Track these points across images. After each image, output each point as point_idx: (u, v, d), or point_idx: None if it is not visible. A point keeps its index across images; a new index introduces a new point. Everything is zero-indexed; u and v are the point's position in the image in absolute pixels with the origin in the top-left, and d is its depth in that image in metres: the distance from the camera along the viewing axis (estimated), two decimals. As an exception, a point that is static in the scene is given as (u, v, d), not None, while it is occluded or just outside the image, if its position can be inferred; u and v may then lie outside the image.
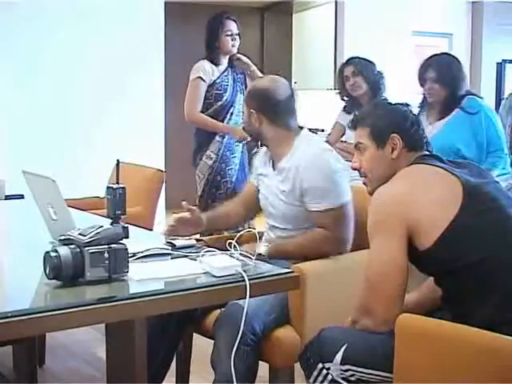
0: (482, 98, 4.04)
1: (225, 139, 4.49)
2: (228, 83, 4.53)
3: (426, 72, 3.86)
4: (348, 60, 4.51)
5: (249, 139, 4.38)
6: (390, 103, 2.56)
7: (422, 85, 3.93)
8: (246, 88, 4.54)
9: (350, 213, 2.75)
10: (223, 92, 4.50)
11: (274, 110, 2.85)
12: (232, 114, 4.54)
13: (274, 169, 2.90)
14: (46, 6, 5.41)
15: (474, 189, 2.15)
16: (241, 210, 3.09)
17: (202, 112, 4.50)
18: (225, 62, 4.58)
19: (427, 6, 7.35)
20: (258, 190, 3.01)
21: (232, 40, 4.50)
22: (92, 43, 5.61)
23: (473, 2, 7.72)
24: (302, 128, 2.91)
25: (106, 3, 5.64)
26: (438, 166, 2.22)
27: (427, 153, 2.36)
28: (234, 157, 4.56)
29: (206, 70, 4.49)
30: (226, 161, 4.51)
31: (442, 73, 3.81)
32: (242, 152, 4.62)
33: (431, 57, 3.94)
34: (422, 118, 3.82)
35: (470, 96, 3.91)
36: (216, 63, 4.53)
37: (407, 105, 2.45)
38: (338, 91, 4.61)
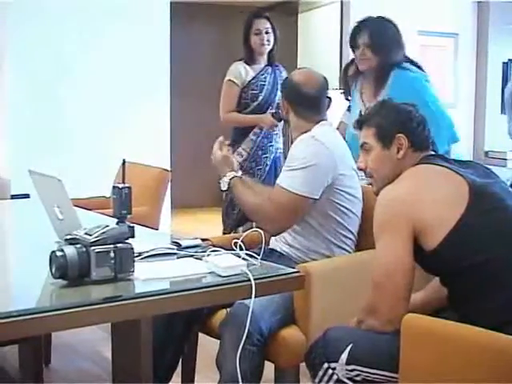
0: (415, 65, 3.67)
1: (259, 138, 4.48)
2: (265, 82, 4.51)
3: (360, 36, 3.59)
4: (353, 60, 4.50)
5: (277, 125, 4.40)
6: (396, 103, 2.56)
7: (353, 50, 3.68)
8: None
9: (295, 207, 2.74)
10: (259, 92, 4.49)
11: (300, 103, 2.93)
12: None
13: None
14: (50, 5, 5.42)
15: (480, 189, 2.14)
16: None
17: (239, 111, 4.51)
18: (262, 60, 4.57)
19: (433, 5, 7.34)
20: None
21: (260, 39, 4.49)
22: (97, 43, 5.62)
23: (478, 2, 7.71)
24: (323, 121, 2.95)
25: (111, 3, 5.65)
26: (443, 166, 2.22)
27: (433, 153, 2.36)
28: (266, 157, 4.52)
29: (237, 72, 4.52)
30: (256, 160, 4.48)
31: (377, 37, 3.55)
32: (276, 155, 4.56)
33: (365, 20, 3.67)
34: (356, 96, 3.71)
35: (399, 68, 3.58)
36: (251, 63, 4.55)
37: (413, 105, 2.45)
38: (342, 91, 4.61)
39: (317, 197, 2.74)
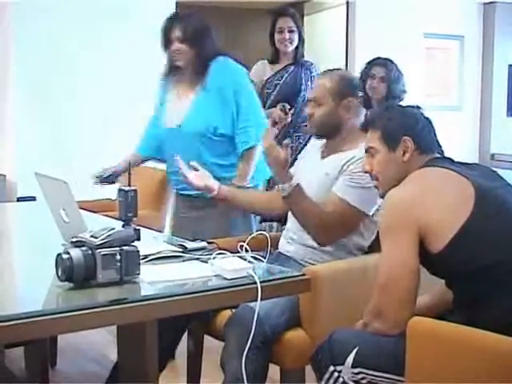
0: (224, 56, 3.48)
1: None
2: (280, 81, 4.50)
3: (172, 31, 3.37)
4: (381, 61, 4.48)
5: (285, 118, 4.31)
6: (402, 106, 2.56)
7: (166, 47, 3.42)
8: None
9: (355, 221, 2.74)
10: (271, 91, 4.49)
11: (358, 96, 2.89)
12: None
13: (322, 158, 2.90)
14: (57, 6, 5.43)
15: (486, 192, 2.14)
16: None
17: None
18: (286, 59, 4.56)
19: (438, 8, 7.34)
20: None
21: (282, 38, 4.48)
22: (103, 44, 5.62)
23: (484, 4, 7.70)
24: None
25: (116, 3, 5.65)
26: (449, 169, 2.22)
27: (438, 155, 2.36)
28: None
29: (254, 71, 4.57)
30: None
31: (188, 31, 3.33)
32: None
33: (175, 15, 3.49)
34: (170, 93, 3.50)
35: (218, 58, 3.43)
36: (275, 62, 4.57)
37: (418, 107, 2.44)
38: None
39: (370, 214, 2.74)
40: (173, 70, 3.48)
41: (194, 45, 3.33)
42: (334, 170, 2.78)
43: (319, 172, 2.84)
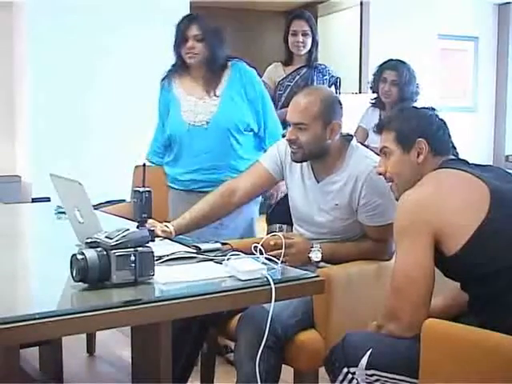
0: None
1: None
2: (291, 83, 4.51)
3: (189, 30, 3.42)
4: (392, 64, 4.47)
5: None
6: (416, 107, 2.55)
7: (182, 45, 3.46)
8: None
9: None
10: (283, 92, 4.51)
11: (341, 117, 2.76)
12: None
13: (317, 181, 2.79)
14: (73, 7, 5.45)
15: (501, 194, 2.13)
16: (231, 198, 2.91)
17: None
18: (299, 61, 4.57)
19: (453, 9, 7.33)
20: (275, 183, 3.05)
21: (295, 41, 4.49)
22: (115, 45, 5.65)
23: (499, 5, 7.68)
24: (351, 137, 2.80)
25: (130, 5, 5.67)
26: (464, 171, 2.21)
27: (453, 157, 2.35)
28: None
29: (267, 72, 4.61)
30: None
31: (206, 30, 3.40)
32: None
33: (190, 15, 3.54)
34: (176, 92, 3.54)
35: (233, 61, 3.53)
36: (288, 64, 4.59)
37: (433, 109, 2.43)
38: (370, 85, 4.63)
39: None
40: (179, 69, 3.57)
41: (209, 45, 3.42)
42: (342, 198, 2.72)
43: (324, 203, 2.77)
